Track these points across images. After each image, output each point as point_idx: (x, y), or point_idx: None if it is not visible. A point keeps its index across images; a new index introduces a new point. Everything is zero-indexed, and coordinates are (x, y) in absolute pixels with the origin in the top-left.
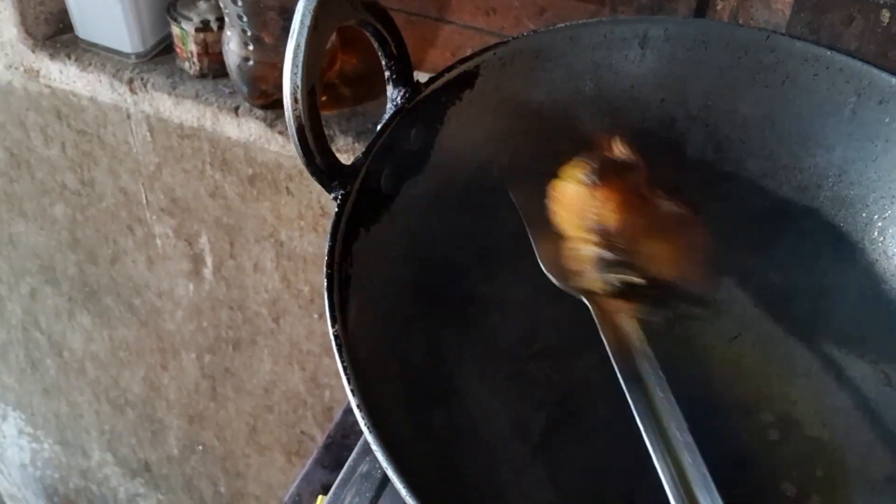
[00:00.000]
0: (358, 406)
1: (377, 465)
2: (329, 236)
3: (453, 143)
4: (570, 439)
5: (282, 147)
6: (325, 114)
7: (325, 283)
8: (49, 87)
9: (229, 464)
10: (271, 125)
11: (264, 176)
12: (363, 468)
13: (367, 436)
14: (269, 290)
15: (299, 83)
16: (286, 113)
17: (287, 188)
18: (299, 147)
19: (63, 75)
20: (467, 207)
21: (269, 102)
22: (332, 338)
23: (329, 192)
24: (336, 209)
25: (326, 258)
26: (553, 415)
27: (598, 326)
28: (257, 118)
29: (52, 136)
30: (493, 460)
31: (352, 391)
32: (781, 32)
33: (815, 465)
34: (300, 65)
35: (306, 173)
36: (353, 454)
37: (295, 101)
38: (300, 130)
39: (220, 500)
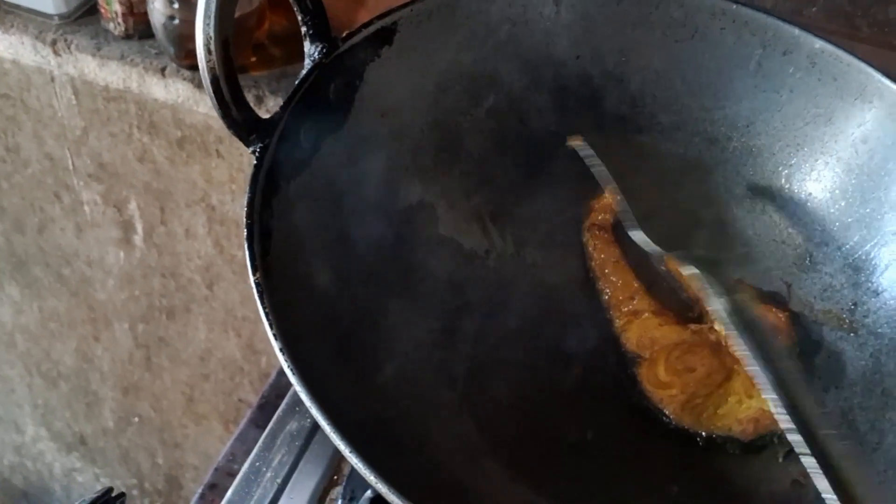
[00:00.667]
0: (281, 349)
1: (303, 422)
2: (248, 188)
3: (374, 100)
4: (493, 386)
5: (210, 108)
6: (254, 74)
7: (245, 233)
8: None
9: (166, 434)
10: (199, 86)
11: (193, 138)
12: (291, 426)
13: (290, 376)
14: (201, 257)
15: (212, 34)
16: (199, 65)
17: (217, 151)
18: (214, 99)
19: None
20: (389, 164)
21: (196, 62)
22: (252, 285)
23: (247, 145)
24: (255, 161)
25: (246, 209)
26: (478, 364)
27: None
28: (185, 79)
29: None
30: (422, 408)
31: (274, 335)
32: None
33: None
34: (212, 15)
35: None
36: (279, 411)
37: (208, 52)
38: (215, 82)
39: (158, 472)
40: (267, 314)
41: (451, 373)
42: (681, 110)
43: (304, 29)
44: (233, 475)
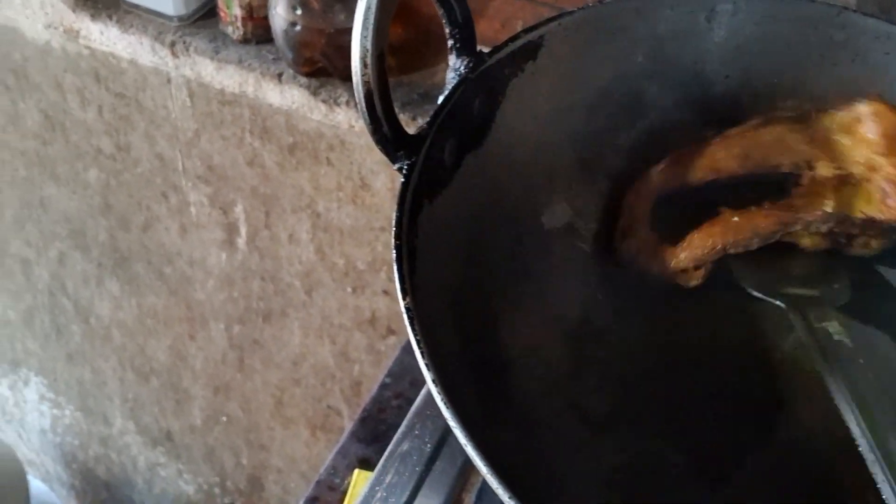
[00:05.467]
0: (434, 381)
1: (420, 444)
2: (396, 207)
3: (515, 116)
4: (627, 423)
5: (324, 116)
6: None
7: (395, 255)
8: (88, 48)
9: (253, 436)
10: (315, 93)
11: (305, 145)
12: (404, 447)
13: (445, 412)
14: (302, 262)
15: (369, 47)
16: (354, 78)
17: (327, 158)
18: (367, 114)
19: (103, 36)
20: (527, 182)
21: (313, 70)
22: (403, 311)
23: (394, 162)
24: (402, 179)
25: (394, 230)
26: (611, 398)
27: (800, 330)
28: (301, 86)
29: (90, 98)
30: (553, 439)
31: (427, 366)
32: (853, 9)
33: None
34: (371, 27)
35: (347, 144)
36: (399, 433)
37: (364, 65)
38: (368, 97)
39: (241, 472)
40: (419, 342)
41: (582, 403)
42: None
43: (450, 42)
44: (334, 489)
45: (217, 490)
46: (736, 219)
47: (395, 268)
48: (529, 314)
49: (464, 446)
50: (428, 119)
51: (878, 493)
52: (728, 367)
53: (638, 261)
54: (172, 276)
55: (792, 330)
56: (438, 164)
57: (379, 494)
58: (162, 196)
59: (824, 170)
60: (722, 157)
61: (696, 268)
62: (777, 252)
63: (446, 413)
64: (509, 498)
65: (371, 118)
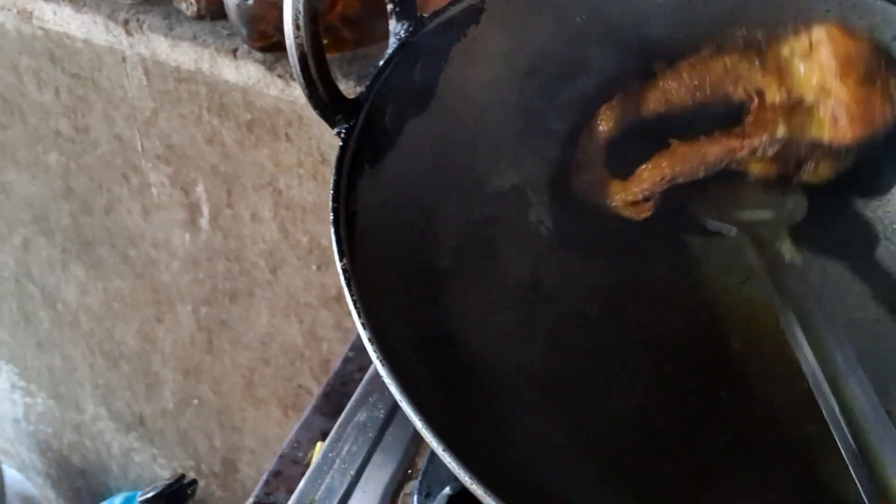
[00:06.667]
0: (370, 339)
1: (375, 413)
2: (334, 170)
3: (458, 81)
4: (578, 383)
5: (281, 91)
6: (327, 56)
7: (332, 217)
8: (42, 28)
9: (225, 417)
10: (270, 68)
11: (263, 121)
12: (361, 416)
13: (380, 368)
14: (266, 241)
15: (301, 8)
16: (287, 41)
17: (286, 134)
18: (301, 77)
19: (57, 16)
20: (474, 150)
21: (268, 44)
22: (339, 272)
23: (332, 126)
24: (340, 143)
25: (332, 192)
26: (561, 360)
27: (755, 258)
28: (256, 61)
29: (46, 80)
30: (502, 402)
31: (363, 325)
32: None
33: None
34: None
35: (306, 119)
36: (352, 401)
37: (297, 27)
38: (303, 59)
39: (215, 455)
40: (355, 302)
41: (533, 369)
42: None
43: (390, 6)
44: (297, 463)
45: (192, 473)
46: (684, 149)
47: (331, 230)
48: (479, 280)
49: (398, 401)
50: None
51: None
52: (677, 317)
53: (590, 195)
54: (137, 258)
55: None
56: (380, 129)
57: (336, 463)
58: (122, 177)
59: (775, 95)
60: (673, 87)
61: (646, 199)
62: (730, 182)
63: (382, 370)
64: (457, 465)
65: (307, 81)
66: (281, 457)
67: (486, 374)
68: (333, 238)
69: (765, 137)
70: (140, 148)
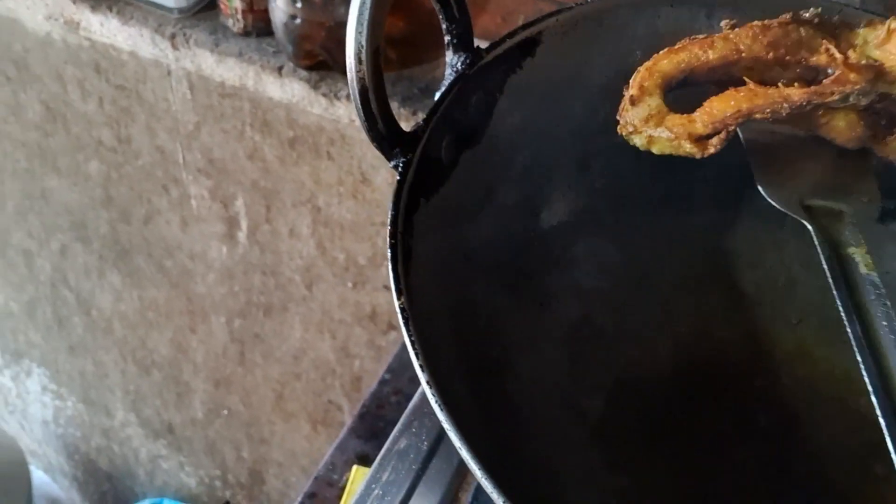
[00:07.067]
0: (428, 382)
1: (417, 442)
2: (391, 206)
3: (512, 113)
4: (626, 425)
5: (324, 110)
6: None
7: (389, 254)
8: (89, 39)
9: (254, 429)
10: (315, 87)
11: (305, 139)
12: (401, 444)
13: (439, 414)
14: (303, 257)
15: (364, 43)
16: (349, 75)
17: (328, 153)
18: (361, 111)
19: (104, 28)
20: (524, 180)
21: (314, 63)
22: (398, 311)
23: (389, 159)
24: (398, 177)
25: (389, 228)
26: (610, 400)
27: (820, 250)
28: (301, 79)
29: (90, 90)
30: (550, 441)
31: (421, 367)
32: (855, 7)
33: None
34: (365, 23)
35: (348, 138)
36: (396, 430)
37: (359, 62)
38: (363, 93)
39: (242, 465)
40: (413, 342)
41: (580, 405)
42: None
43: (447, 38)
44: (332, 485)
45: (218, 483)
46: (762, 89)
47: (389, 267)
48: (528, 314)
49: (458, 449)
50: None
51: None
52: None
53: (642, 131)
54: (173, 269)
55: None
56: (435, 161)
57: (376, 492)
58: (163, 189)
59: (859, 58)
60: (746, 40)
61: (715, 133)
62: (803, 157)
63: (441, 416)
64: (504, 502)
65: (366, 115)
66: (316, 478)
67: (535, 410)
68: (392, 276)
69: (857, 83)
70: (181, 161)
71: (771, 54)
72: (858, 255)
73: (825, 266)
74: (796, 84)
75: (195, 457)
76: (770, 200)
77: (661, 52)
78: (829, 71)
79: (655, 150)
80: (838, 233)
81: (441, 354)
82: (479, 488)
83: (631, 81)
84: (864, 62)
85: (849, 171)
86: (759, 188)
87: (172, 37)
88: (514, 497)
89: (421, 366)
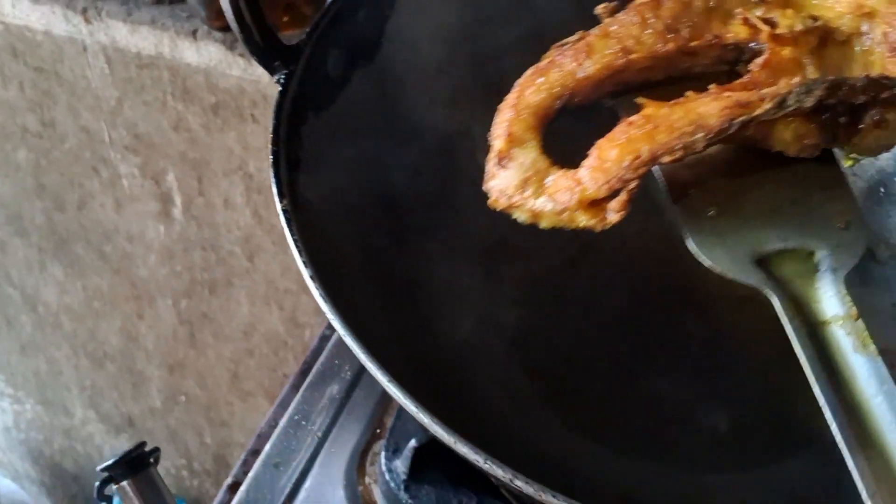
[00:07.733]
0: (311, 277)
1: (342, 375)
2: (273, 116)
3: (408, 33)
4: (542, 335)
5: (243, 71)
6: (287, 34)
7: (271, 160)
8: (2, 23)
9: (213, 413)
10: (231, 48)
11: (228, 104)
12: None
13: (322, 305)
14: (241, 227)
15: None
16: None
17: (252, 115)
18: (235, 22)
19: (16, 9)
20: (428, 103)
21: (227, 24)
22: (279, 213)
23: (271, 73)
24: (280, 89)
25: (271, 136)
26: (525, 313)
27: (790, 329)
28: (216, 41)
29: (9, 75)
30: (466, 355)
31: (304, 262)
32: None
33: None
34: None
35: (270, 98)
36: (317, 364)
37: None
38: (234, 4)
39: (206, 451)
40: (295, 241)
41: (497, 319)
42: None
43: None
44: None
45: (185, 472)
46: (665, 111)
47: (271, 173)
48: (439, 232)
49: (357, 355)
50: None
51: None
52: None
53: (521, 204)
54: (113, 254)
55: None
56: (323, 76)
57: (302, 426)
58: (93, 171)
59: (791, 22)
60: (633, 30)
61: (614, 194)
62: (744, 187)
63: (324, 307)
64: (421, 412)
65: (241, 26)
66: (259, 436)
67: (449, 324)
68: (273, 180)
69: (795, 81)
70: (108, 139)
71: (671, 44)
72: (846, 327)
73: (801, 357)
74: (714, 85)
75: (158, 447)
76: (709, 264)
77: (524, 76)
78: (753, 46)
79: (544, 224)
80: (812, 296)
81: (343, 270)
82: (401, 410)
83: (493, 128)
84: (798, 27)
85: (811, 186)
86: (692, 248)
87: (84, 10)
88: (432, 406)
89: (304, 262)
